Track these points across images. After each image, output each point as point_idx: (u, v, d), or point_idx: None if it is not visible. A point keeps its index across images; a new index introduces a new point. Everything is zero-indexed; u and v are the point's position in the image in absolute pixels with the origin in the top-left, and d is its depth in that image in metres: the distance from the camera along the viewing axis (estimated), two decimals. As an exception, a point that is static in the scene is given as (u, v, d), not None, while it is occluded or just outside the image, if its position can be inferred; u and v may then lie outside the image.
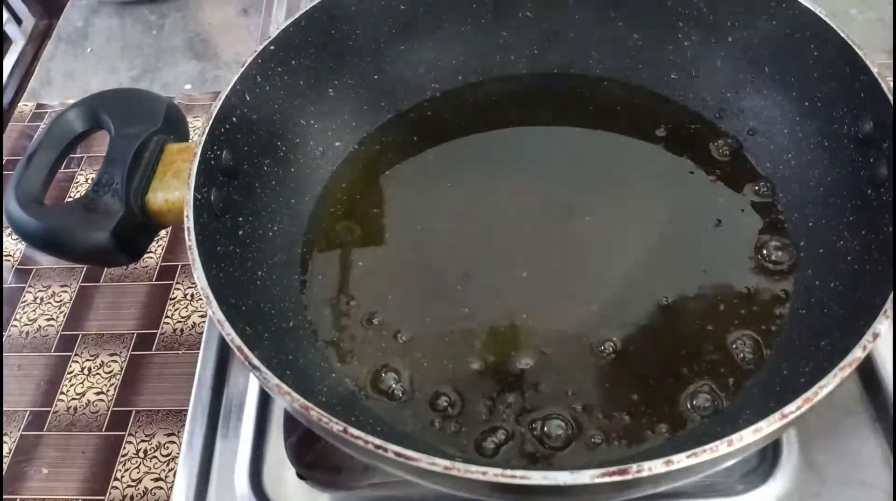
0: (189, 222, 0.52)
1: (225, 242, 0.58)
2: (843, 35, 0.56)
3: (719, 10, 0.68)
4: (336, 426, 0.41)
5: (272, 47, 0.64)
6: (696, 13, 0.70)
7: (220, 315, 0.47)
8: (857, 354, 0.42)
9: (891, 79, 0.53)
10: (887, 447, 0.58)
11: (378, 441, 0.40)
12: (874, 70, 0.53)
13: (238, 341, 0.45)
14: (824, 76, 0.60)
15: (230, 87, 0.60)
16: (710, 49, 0.71)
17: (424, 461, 0.39)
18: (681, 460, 0.38)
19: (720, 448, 0.39)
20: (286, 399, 0.43)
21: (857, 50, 0.55)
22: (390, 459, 0.40)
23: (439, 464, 0.39)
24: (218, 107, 0.59)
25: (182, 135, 0.64)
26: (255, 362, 0.44)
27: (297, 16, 0.66)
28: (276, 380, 0.44)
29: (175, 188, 0.58)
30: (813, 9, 0.59)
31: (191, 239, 0.51)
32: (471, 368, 0.59)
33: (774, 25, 0.63)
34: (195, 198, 0.54)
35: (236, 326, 0.47)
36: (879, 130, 0.54)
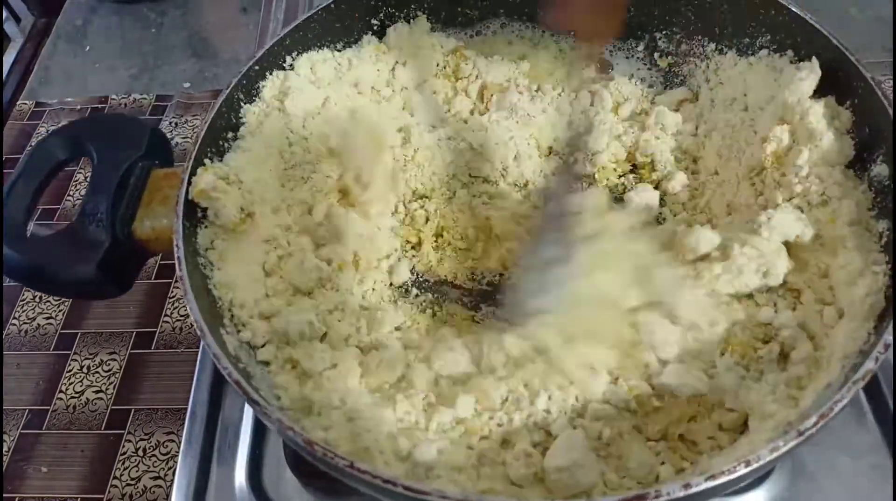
0: (179, 251, 0.50)
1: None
2: (835, 42, 0.56)
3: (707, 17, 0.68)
4: (342, 461, 0.40)
5: (257, 67, 0.63)
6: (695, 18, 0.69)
7: (216, 349, 0.45)
8: (870, 365, 0.41)
9: (890, 79, 0.52)
10: (887, 448, 0.58)
11: (387, 475, 0.39)
12: (868, 76, 0.53)
13: (236, 375, 0.44)
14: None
15: (215, 110, 0.59)
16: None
17: (435, 495, 0.38)
18: (699, 483, 0.37)
19: (738, 469, 0.38)
20: (290, 435, 0.42)
21: (849, 56, 0.55)
22: (399, 494, 0.39)
23: (451, 497, 0.38)
24: (204, 131, 0.57)
25: (167, 160, 0.62)
26: (255, 396, 0.43)
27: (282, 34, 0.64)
28: (277, 414, 0.42)
29: (162, 216, 0.55)
30: (804, 16, 0.59)
31: (181, 269, 0.49)
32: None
33: (765, 33, 0.63)
34: (184, 226, 0.52)
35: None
36: (876, 134, 0.54)
